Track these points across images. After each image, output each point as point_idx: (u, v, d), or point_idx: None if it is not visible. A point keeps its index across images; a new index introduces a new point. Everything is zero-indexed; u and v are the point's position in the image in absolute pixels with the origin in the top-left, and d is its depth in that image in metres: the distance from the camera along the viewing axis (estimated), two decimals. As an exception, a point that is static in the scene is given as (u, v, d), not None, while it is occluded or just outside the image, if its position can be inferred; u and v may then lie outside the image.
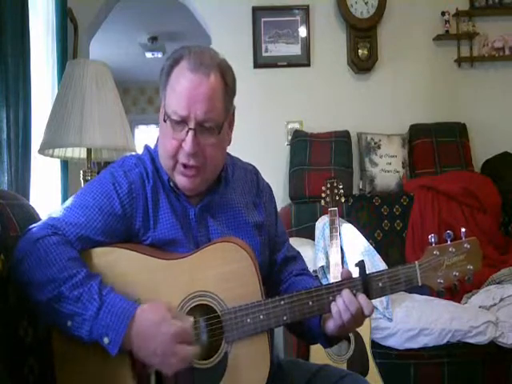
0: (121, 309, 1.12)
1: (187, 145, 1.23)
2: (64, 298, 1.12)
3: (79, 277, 1.14)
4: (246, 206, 1.39)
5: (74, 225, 1.21)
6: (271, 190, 1.49)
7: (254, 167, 1.50)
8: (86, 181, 2.41)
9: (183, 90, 1.22)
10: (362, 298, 1.21)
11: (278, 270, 1.43)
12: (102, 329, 1.11)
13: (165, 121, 1.25)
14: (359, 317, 1.21)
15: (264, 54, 3.61)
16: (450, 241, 1.23)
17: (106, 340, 1.11)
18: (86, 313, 1.12)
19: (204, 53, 1.27)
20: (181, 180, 1.28)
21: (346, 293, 1.21)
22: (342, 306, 1.20)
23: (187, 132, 1.23)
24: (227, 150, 1.38)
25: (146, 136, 7.63)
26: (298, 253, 1.51)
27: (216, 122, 1.25)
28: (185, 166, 1.25)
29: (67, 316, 1.12)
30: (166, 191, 1.31)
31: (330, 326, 1.24)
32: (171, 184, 1.30)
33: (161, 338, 1.11)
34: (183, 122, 1.23)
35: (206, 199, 1.33)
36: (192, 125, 1.22)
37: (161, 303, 1.15)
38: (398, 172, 3.40)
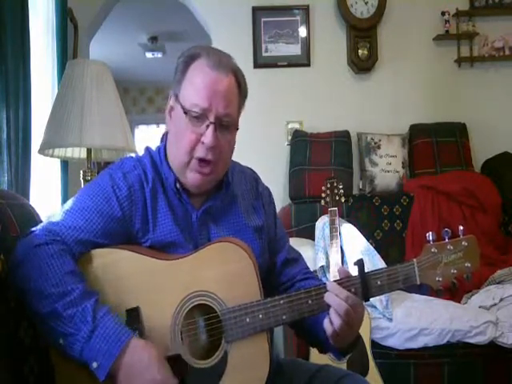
0: (113, 336, 1.11)
1: (208, 138, 1.23)
2: (58, 315, 1.11)
3: (74, 295, 1.13)
4: (246, 209, 1.39)
5: (73, 228, 1.21)
6: (270, 194, 1.49)
7: (253, 171, 1.50)
8: (86, 181, 2.41)
9: (204, 84, 1.23)
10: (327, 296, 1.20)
11: (278, 273, 1.43)
12: (92, 353, 1.10)
13: (185, 113, 1.25)
14: (350, 317, 1.19)
15: (264, 54, 3.61)
16: (448, 239, 1.23)
17: (94, 364, 1.10)
18: (78, 333, 1.11)
19: (221, 54, 1.30)
20: (193, 177, 1.27)
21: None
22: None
23: (207, 126, 1.24)
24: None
25: (146, 136, 7.63)
26: (299, 254, 1.51)
27: (233, 119, 1.27)
28: (201, 160, 1.25)
29: (60, 334, 1.12)
30: (166, 194, 1.31)
31: (330, 339, 1.23)
32: (177, 185, 1.30)
33: (145, 380, 1.10)
34: (203, 115, 1.24)
35: (207, 203, 1.33)
36: (212, 118, 1.23)
37: (155, 346, 1.14)
38: (397, 172, 3.40)
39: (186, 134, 1.26)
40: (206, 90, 1.23)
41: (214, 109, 1.23)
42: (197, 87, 1.24)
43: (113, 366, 1.10)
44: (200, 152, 1.25)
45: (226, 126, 1.26)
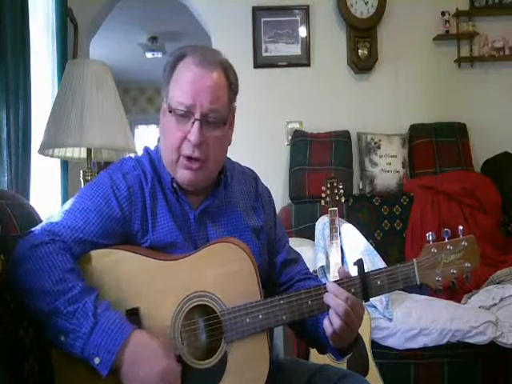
0: (115, 330, 1.11)
1: (193, 135, 1.23)
2: (59, 313, 1.11)
3: (75, 291, 1.13)
4: (245, 210, 1.39)
5: (72, 228, 1.21)
6: (270, 194, 1.49)
7: (253, 172, 1.50)
8: (86, 181, 2.42)
9: (189, 82, 1.23)
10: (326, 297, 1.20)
11: (278, 273, 1.43)
12: (94, 348, 1.10)
13: (170, 112, 1.25)
14: (349, 318, 1.19)
15: (264, 54, 3.61)
16: (448, 239, 1.23)
17: (96, 360, 1.09)
18: (80, 330, 1.11)
19: (208, 51, 1.30)
20: (184, 173, 1.27)
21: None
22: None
23: (193, 123, 1.23)
24: (228, 152, 1.38)
25: (146, 136, 7.63)
26: (299, 254, 1.51)
27: (220, 115, 1.26)
28: (189, 158, 1.25)
29: (61, 331, 1.12)
30: (165, 194, 1.31)
31: (330, 340, 1.23)
32: (174, 185, 1.30)
33: (149, 369, 1.10)
34: (189, 112, 1.23)
35: (205, 203, 1.33)
36: (198, 115, 1.23)
37: (157, 337, 1.15)
38: (397, 172, 3.40)
39: (173, 132, 1.26)
40: (190, 87, 1.23)
41: (198, 105, 1.23)
42: (182, 85, 1.24)
43: (115, 359, 1.09)
44: (186, 150, 1.25)
45: (213, 122, 1.25)
